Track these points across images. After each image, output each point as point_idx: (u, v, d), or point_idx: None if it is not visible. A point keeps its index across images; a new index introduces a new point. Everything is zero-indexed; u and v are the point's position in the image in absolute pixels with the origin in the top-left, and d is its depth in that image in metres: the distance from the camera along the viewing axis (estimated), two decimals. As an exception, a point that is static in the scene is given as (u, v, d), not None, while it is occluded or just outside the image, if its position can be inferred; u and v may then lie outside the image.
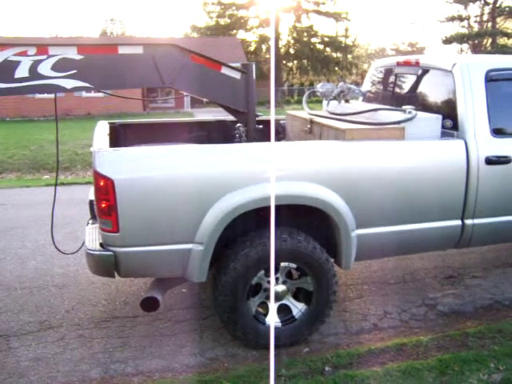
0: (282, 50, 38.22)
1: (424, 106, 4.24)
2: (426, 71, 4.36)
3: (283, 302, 3.66)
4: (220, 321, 3.66)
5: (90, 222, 4.08)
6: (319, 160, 3.51)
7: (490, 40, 43.11)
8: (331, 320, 4.04)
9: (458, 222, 3.91)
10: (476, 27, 44.24)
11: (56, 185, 4.32)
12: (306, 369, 3.38)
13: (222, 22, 37.68)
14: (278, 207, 3.05)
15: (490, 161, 3.83)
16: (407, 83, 4.68)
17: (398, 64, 4.76)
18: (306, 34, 37.36)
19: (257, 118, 4.24)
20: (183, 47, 3.65)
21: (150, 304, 3.39)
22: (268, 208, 2.94)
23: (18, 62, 3.09)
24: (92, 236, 3.66)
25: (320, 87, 4.76)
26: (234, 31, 37.42)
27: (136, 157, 3.28)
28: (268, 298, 3.59)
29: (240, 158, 3.41)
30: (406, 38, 56.49)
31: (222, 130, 5.00)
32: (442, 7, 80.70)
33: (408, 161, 3.70)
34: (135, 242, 3.25)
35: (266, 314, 3.63)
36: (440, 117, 3.86)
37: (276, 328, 3.55)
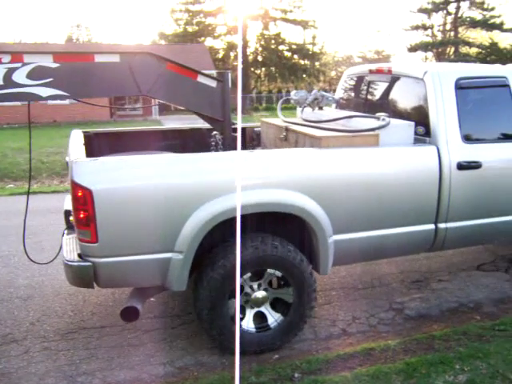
0: (250, 58, 38.38)
1: (396, 112, 4.31)
2: (397, 79, 4.47)
3: (261, 309, 3.67)
4: (198, 322, 3.64)
5: (66, 232, 3.99)
6: (296, 167, 3.54)
7: (452, 49, 44.18)
8: (300, 326, 4.07)
9: (432, 226, 4.01)
10: (439, 36, 45.24)
11: (28, 193, 4.24)
12: (276, 376, 3.38)
13: (190, 29, 37.62)
14: (256, 214, 3.33)
15: (461, 166, 3.94)
16: (379, 90, 4.77)
17: (371, 72, 4.87)
18: (273, 41, 37.61)
19: (232, 126, 4.26)
20: (159, 56, 3.64)
21: (129, 314, 3.35)
22: (245, 216, 3.23)
23: None
24: (69, 246, 3.60)
25: (294, 95, 4.83)
26: (202, 38, 37.41)
27: (114, 167, 3.24)
28: (247, 302, 3.61)
29: (219, 166, 3.41)
30: (373, 46, 57.43)
31: (196, 137, 5.01)
32: (407, 16, 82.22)
33: (382, 167, 3.77)
34: (114, 252, 3.20)
35: (243, 318, 3.63)
36: (412, 124, 3.95)
37: (249, 334, 3.60)
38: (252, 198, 3.32)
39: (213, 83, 3.88)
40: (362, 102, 4.95)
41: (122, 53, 3.49)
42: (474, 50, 43.79)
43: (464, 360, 3.51)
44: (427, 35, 45.03)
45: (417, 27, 43.97)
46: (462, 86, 4.06)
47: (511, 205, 4.26)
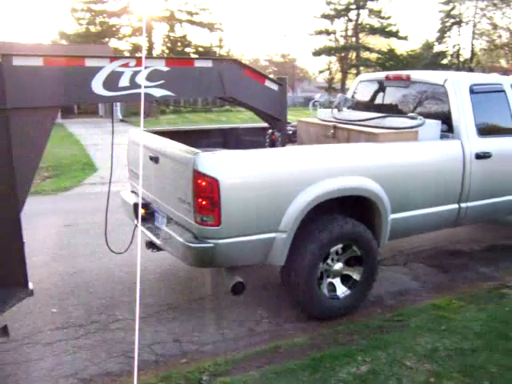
0: (158, 60, 37.78)
1: (418, 113, 4.88)
2: (417, 85, 5.24)
3: (333, 280, 4.24)
4: (287, 290, 4.24)
5: (138, 223, 4.34)
6: (366, 158, 4.27)
7: (354, 53, 46.07)
8: (208, 329, 4.06)
9: (456, 206, 4.82)
10: (342, 41, 46.95)
11: (109, 190, 4.33)
12: (183, 380, 3.34)
13: (93, 29, 36.38)
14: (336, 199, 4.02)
15: (478, 156, 4.80)
16: (397, 94, 5.52)
17: (388, 78, 5.59)
18: (180, 43, 37.25)
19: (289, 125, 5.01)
20: (240, 62, 4.13)
21: (239, 288, 3.81)
22: (332, 199, 3.98)
23: (122, 73, 3.36)
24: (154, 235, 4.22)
25: (319, 98, 5.69)
26: (106, 39, 36.34)
27: (235, 158, 3.78)
28: (326, 271, 4.19)
29: (315, 157, 4.09)
30: (279, 50, 58.64)
31: (234, 135, 5.75)
32: (311, 21, 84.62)
33: (423, 157, 4.57)
34: (232, 234, 3.65)
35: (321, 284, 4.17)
36: (440, 122, 4.72)
37: (324, 297, 4.17)
38: (336, 184, 3.98)
39: (275, 87, 4.29)
40: (380, 105, 5.64)
41: (213, 59, 3.96)
42: (374, 56, 45.94)
43: (366, 351, 3.67)
44: (330, 40, 46.60)
45: (320, 32, 45.39)
46: (474, 91, 4.94)
47: None
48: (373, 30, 45.22)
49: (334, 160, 4.14)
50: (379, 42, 47.81)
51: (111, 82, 3.32)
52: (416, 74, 5.31)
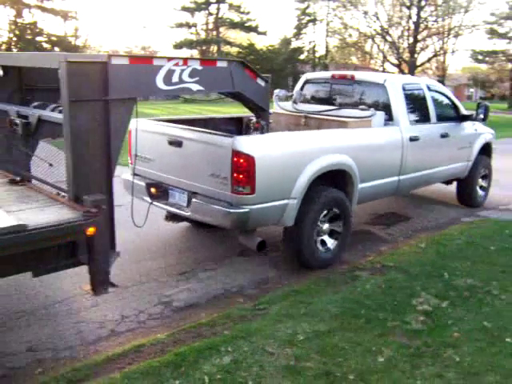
0: (3, 47, 34.90)
1: (363, 106, 6.29)
2: (359, 83, 6.63)
3: (323, 237, 5.36)
4: (287, 247, 5.26)
5: (152, 200, 5.25)
6: (343, 140, 5.54)
7: (216, 47, 46.48)
8: (66, 333, 3.86)
9: (397, 178, 6.22)
10: (203, 35, 47.11)
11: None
12: (38, 391, 3.15)
13: None
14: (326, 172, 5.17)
15: (411, 139, 6.26)
16: (342, 91, 6.88)
17: (333, 77, 6.92)
18: (29, 31, 34.81)
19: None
20: (243, 62, 4.74)
21: (263, 245, 4.90)
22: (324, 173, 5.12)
23: (174, 71, 3.99)
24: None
25: (278, 92, 7.14)
26: None
27: (264, 140, 4.89)
28: (318, 232, 5.28)
29: (317, 139, 5.31)
30: (139, 42, 57.26)
31: (234, 123, 6.73)
32: (172, 13, 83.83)
33: (377, 139, 5.96)
34: (262, 201, 4.63)
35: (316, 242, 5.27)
36: (384, 113, 6.09)
37: (320, 252, 5.32)
38: (330, 159, 5.17)
39: (263, 83, 4.95)
40: (326, 99, 6.97)
41: (228, 60, 4.64)
42: (235, 50, 46.73)
43: (229, 342, 3.72)
44: (191, 33, 46.56)
45: (181, 25, 45.17)
46: (404, 89, 6.39)
47: (437, 161, 6.97)
48: (233, 25, 45.99)
49: (327, 141, 5.36)
50: (240, 37, 48.77)
51: (167, 78, 3.97)
52: (359, 75, 6.80)
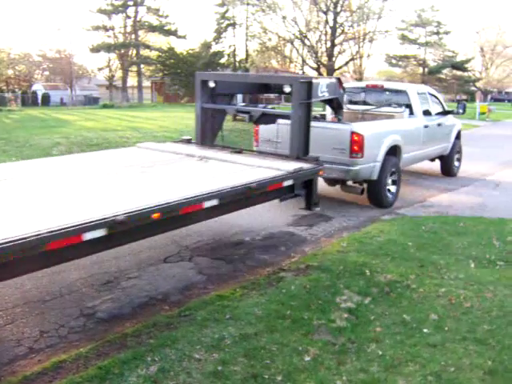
0: None
1: (395, 105, 9.59)
2: (387, 90, 9.75)
3: (389, 187, 8.43)
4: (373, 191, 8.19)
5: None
6: (397, 126, 8.80)
7: (135, 51, 45.63)
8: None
9: (418, 152, 9.42)
10: (121, 38, 46.11)
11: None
12: None
13: None
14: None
15: (425, 126, 9.41)
16: (374, 96, 9.94)
17: (367, 86, 10.10)
18: None
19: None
20: (339, 78, 7.22)
21: (363, 190, 8.02)
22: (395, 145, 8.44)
23: (318, 83, 6.52)
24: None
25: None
26: None
27: (369, 125, 8.01)
28: (386, 184, 8.35)
29: (388, 125, 8.66)
30: (53, 45, 55.12)
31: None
32: (87, 16, 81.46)
33: (410, 125, 9.11)
34: (366, 162, 7.65)
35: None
36: (408, 110, 9.25)
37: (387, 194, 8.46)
38: (392, 138, 8.24)
39: (342, 90, 7.33)
40: (363, 102, 9.99)
41: (335, 78, 7.22)
42: (154, 53, 46.06)
43: (155, 351, 3.64)
44: (109, 36, 45.46)
45: (98, 28, 44.00)
46: (418, 93, 9.56)
47: (436, 142, 10.23)
48: (152, 28, 45.37)
49: (391, 127, 8.54)
50: (159, 40, 48.18)
51: (315, 91, 6.38)
52: (386, 84, 10.14)
